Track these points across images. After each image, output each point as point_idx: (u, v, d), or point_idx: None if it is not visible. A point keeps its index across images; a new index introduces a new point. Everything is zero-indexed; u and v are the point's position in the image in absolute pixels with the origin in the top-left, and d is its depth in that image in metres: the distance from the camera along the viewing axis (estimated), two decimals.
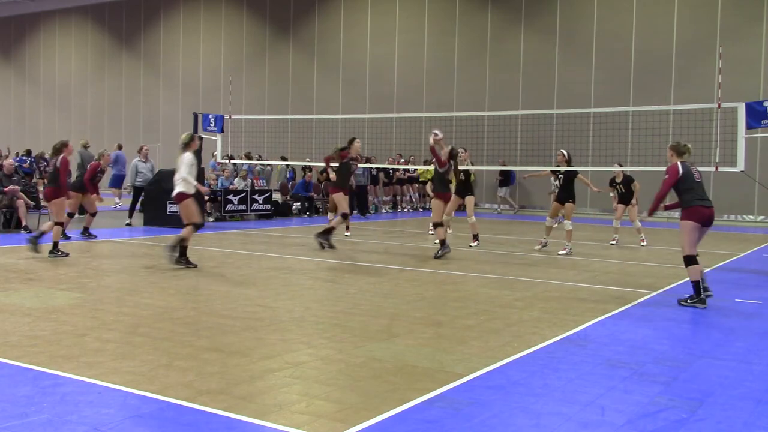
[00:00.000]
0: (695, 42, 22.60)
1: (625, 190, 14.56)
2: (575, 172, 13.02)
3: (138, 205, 17.47)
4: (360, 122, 24.84)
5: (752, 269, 11.60)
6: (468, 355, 5.73)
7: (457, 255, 12.32)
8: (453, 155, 12.34)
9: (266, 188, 20.41)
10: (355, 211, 21.96)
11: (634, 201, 14.62)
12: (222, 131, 17.49)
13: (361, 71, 28.71)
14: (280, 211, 20.47)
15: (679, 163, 8.20)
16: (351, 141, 13.16)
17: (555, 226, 13.54)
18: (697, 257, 8.06)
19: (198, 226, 10.36)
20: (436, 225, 12.14)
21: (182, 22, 33.87)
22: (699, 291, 8.01)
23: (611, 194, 15.28)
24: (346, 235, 15.16)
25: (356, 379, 5.07)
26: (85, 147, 20.13)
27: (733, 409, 4.63)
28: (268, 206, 19.70)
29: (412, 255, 12.35)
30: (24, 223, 14.36)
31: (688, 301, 8.07)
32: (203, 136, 17.18)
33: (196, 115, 17.55)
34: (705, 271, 8.64)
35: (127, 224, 16.75)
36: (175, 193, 10.25)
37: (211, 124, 17.29)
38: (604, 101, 23.19)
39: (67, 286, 8.46)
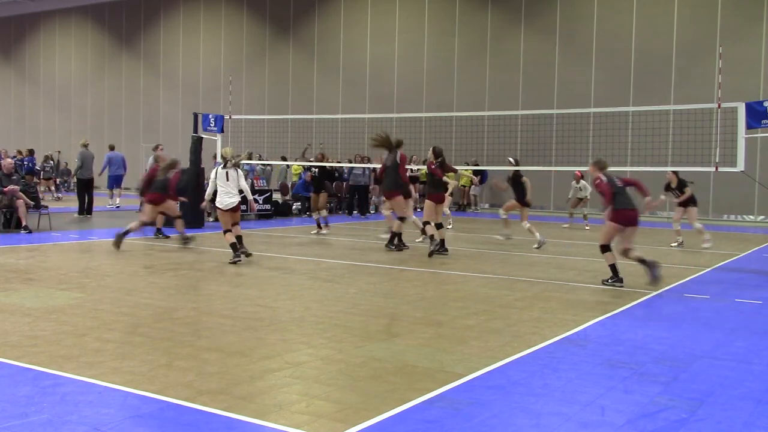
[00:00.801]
0: (695, 42, 22.60)
1: (681, 193, 14.53)
2: (519, 176, 13.91)
3: (138, 206, 17.48)
4: (360, 122, 24.83)
5: (752, 269, 11.59)
6: (468, 355, 5.73)
7: (456, 255, 12.33)
8: (437, 153, 12.64)
9: (266, 188, 20.41)
10: (355, 211, 21.98)
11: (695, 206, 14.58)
12: (222, 131, 17.48)
13: (361, 71, 28.71)
14: (280, 211, 20.48)
15: (602, 176, 9.46)
16: (400, 144, 12.99)
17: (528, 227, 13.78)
18: (611, 247, 9.44)
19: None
20: (425, 223, 12.43)
21: (182, 22, 33.87)
22: (617, 272, 9.31)
23: (672, 198, 15.10)
24: (322, 234, 15.25)
25: (356, 379, 5.07)
26: (85, 146, 20.08)
27: (733, 409, 4.63)
28: (268, 206, 19.70)
29: (412, 255, 12.34)
30: (24, 223, 14.36)
31: (609, 281, 9.33)
32: (203, 136, 17.19)
33: (196, 115, 17.54)
34: (707, 270, 8.63)
35: None
36: (237, 201, 11.25)
37: (211, 124, 17.28)
38: (604, 101, 23.19)
39: (67, 286, 8.46)
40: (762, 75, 21.69)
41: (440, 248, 12.08)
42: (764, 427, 4.33)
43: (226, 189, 11.09)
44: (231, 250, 10.90)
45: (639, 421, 4.35)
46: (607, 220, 9.30)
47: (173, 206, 13.27)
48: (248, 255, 11.17)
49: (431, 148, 12.88)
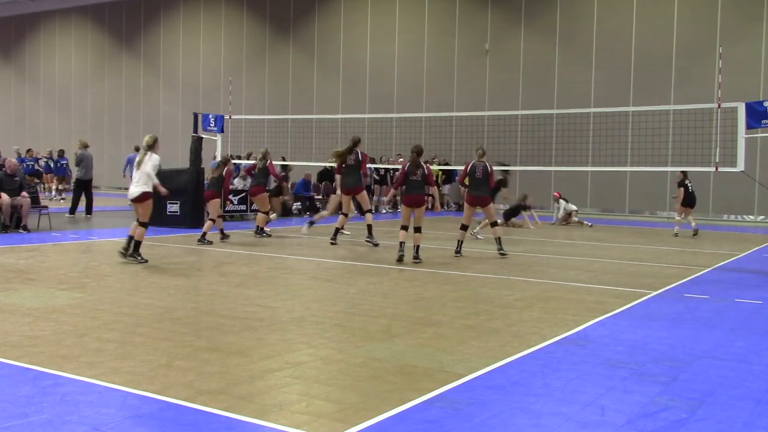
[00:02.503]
0: (695, 42, 22.60)
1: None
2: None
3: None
4: (360, 122, 24.84)
5: (752, 269, 11.59)
6: (468, 355, 5.73)
7: (455, 255, 12.32)
8: (418, 152, 11.76)
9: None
10: (356, 212, 21.96)
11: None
12: (222, 131, 17.49)
13: (361, 71, 28.71)
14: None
15: (470, 163, 11.87)
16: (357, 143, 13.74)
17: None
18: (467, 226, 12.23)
19: (147, 225, 10.75)
20: (403, 227, 11.64)
21: (182, 22, 33.87)
22: (459, 247, 12.04)
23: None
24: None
25: (356, 379, 5.07)
26: (85, 147, 20.04)
27: (733, 409, 4.63)
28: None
29: (411, 255, 12.32)
30: (24, 223, 14.35)
31: (500, 251, 11.97)
32: (203, 136, 17.18)
33: (196, 115, 17.54)
34: (707, 270, 8.63)
35: None
36: (140, 192, 10.47)
37: (211, 124, 17.28)
38: (604, 101, 23.20)
39: (67, 286, 8.46)
40: (762, 75, 21.70)
41: (414, 255, 11.31)
42: (764, 427, 4.33)
43: (134, 177, 10.59)
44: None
45: (639, 421, 4.35)
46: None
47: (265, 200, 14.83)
48: (135, 260, 10.43)
49: (412, 149, 12.01)
